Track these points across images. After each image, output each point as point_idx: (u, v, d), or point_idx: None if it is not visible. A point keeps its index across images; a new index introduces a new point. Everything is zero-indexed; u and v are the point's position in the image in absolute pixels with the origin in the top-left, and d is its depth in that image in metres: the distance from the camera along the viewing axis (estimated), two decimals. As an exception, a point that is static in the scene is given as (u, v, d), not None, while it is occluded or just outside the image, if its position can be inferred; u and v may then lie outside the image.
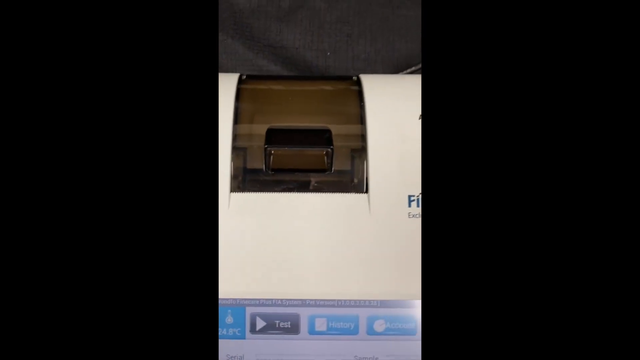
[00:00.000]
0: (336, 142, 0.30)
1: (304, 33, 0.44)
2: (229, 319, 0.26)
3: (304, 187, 0.29)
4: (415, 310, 0.27)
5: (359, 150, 0.30)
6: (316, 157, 0.29)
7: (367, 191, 0.28)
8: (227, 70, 0.43)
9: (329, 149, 0.29)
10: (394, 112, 0.30)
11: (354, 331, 0.27)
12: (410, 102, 0.30)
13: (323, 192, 0.28)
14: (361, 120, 0.30)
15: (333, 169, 0.29)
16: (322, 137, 0.30)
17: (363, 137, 0.29)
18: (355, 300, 0.27)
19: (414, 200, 0.28)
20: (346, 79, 0.32)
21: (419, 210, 0.28)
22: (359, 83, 0.32)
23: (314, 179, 0.29)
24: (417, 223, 0.27)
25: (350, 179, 0.29)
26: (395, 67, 0.45)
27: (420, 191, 0.28)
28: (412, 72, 0.42)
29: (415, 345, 0.27)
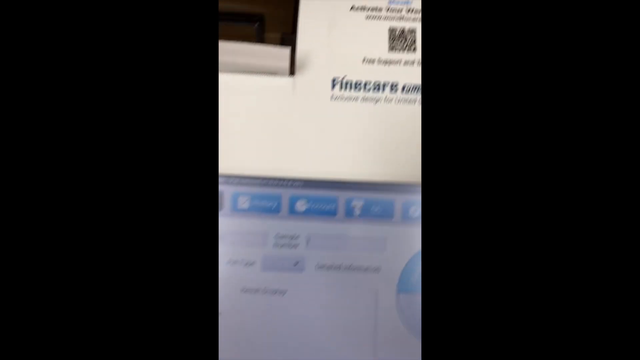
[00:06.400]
0: (268, 26, 0.30)
1: None
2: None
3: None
4: (336, 192, 0.28)
5: (290, 35, 0.29)
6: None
7: (292, 74, 0.28)
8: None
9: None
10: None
11: (276, 210, 0.28)
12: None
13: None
14: (295, 5, 0.30)
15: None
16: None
17: (294, 22, 0.29)
18: (278, 180, 0.28)
19: (337, 83, 0.28)
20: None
21: (342, 93, 0.28)
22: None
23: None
24: (339, 105, 0.28)
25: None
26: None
27: (344, 74, 0.28)
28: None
29: (333, 227, 0.28)
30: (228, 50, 0.27)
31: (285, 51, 0.27)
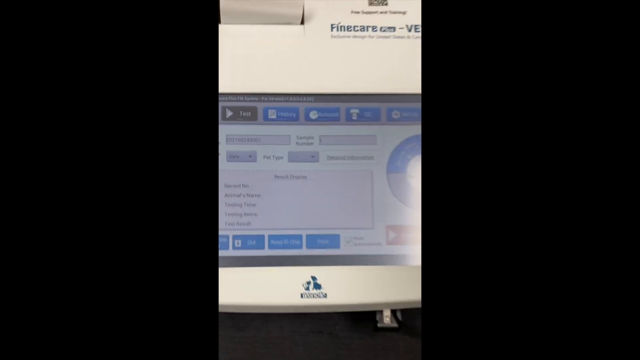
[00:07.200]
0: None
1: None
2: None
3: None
4: (338, 103, 0.39)
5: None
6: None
7: (302, 23, 0.40)
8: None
9: None
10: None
11: (295, 118, 0.39)
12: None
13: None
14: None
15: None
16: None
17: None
18: (296, 95, 0.39)
19: (335, 27, 0.39)
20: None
21: (338, 33, 0.39)
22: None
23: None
24: (337, 42, 0.39)
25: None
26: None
27: (338, 21, 0.40)
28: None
29: (338, 129, 0.39)
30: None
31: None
